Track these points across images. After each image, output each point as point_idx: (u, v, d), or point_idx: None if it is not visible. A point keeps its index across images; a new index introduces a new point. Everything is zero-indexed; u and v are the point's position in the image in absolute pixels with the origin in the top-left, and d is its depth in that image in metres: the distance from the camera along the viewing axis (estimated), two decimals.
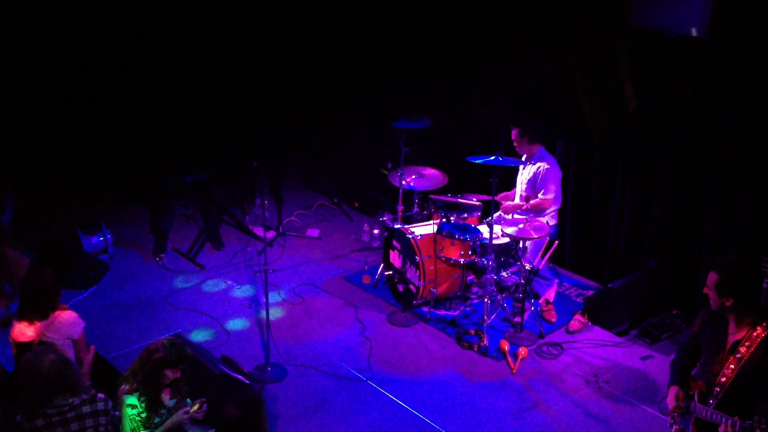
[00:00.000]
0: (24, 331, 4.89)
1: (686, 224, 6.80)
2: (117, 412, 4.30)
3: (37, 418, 3.90)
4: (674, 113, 6.65)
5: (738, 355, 3.92)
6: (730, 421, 3.80)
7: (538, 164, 6.86)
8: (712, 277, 3.97)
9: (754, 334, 3.91)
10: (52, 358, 3.96)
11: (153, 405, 4.43)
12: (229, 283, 7.52)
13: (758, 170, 6.20)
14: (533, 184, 6.91)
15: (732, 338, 3.98)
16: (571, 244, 7.71)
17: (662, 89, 6.70)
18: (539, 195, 6.85)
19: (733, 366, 3.92)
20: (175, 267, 7.77)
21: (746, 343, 3.91)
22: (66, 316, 4.98)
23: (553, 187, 6.83)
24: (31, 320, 4.89)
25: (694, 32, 6.17)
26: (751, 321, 3.93)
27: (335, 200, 9.22)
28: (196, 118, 8.79)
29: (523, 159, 6.98)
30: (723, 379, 3.94)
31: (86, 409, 3.99)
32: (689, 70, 6.45)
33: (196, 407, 4.48)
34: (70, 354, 4.84)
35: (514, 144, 6.99)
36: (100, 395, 4.11)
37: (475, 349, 6.53)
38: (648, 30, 6.56)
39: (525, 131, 6.85)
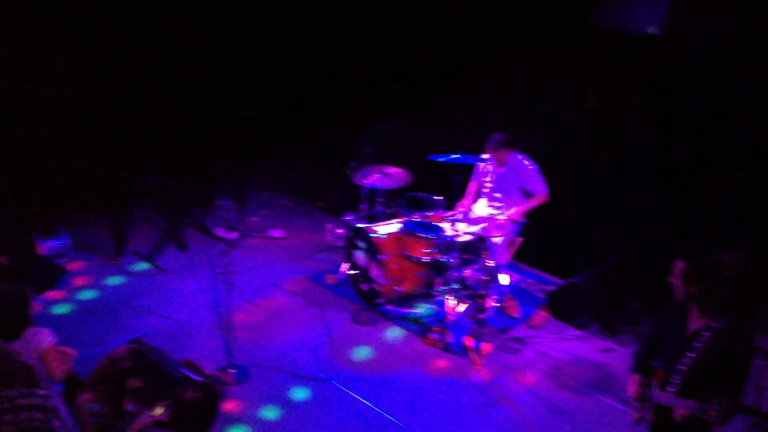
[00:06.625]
0: None
1: (644, 221, 6.90)
2: (62, 414, 4.22)
3: None
4: (632, 109, 6.74)
5: (698, 344, 3.98)
6: (687, 404, 3.88)
7: (519, 168, 6.89)
8: (679, 265, 4.04)
9: (714, 324, 3.98)
10: None
11: (117, 412, 4.37)
12: (190, 285, 7.44)
13: (713, 164, 6.33)
14: (519, 188, 6.94)
15: (693, 327, 4.05)
16: (534, 241, 7.77)
17: (621, 85, 6.80)
18: (538, 194, 6.90)
19: (692, 355, 3.98)
20: (134, 270, 7.67)
21: (706, 333, 3.98)
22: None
23: (542, 182, 6.92)
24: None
25: (651, 30, 6.28)
26: (712, 311, 4.00)
27: (298, 200, 9.18)
28: (158, 119, 8.69)
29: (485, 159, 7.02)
30: (682, 368, 4.01)
31: (23, 402, 3.94)
32: (646, 65, 6.55)
33: (160, 410, 4.42)
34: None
35: (491, 159, 6.97)
36: (41, 391, 4.04)
37: (439, 345, 6.55)
38: (608, 28, 6.66)
39: (497, 144, 6.85)
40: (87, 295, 7.23)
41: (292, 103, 9.40)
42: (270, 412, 5.75)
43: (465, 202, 7.22)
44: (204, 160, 8.32)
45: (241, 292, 7.28)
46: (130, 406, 4.43)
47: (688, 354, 4.01)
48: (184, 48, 8.76)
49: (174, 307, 7.05)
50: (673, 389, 4.04)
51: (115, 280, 7.50)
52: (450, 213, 7.13)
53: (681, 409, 3.89)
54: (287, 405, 5.84)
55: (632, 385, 4.21)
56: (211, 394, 3.80)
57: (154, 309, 7.01)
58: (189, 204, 8.38)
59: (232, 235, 8.24)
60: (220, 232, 8.24)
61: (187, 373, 5.40)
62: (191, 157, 8.36)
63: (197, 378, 5.39)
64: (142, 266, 7.77)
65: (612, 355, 6.50)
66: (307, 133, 9.44)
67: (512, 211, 6.92)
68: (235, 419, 5.59)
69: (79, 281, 7.44)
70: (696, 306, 4.06)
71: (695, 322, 4.06)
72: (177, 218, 8.08)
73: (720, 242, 6.28)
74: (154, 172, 7.94)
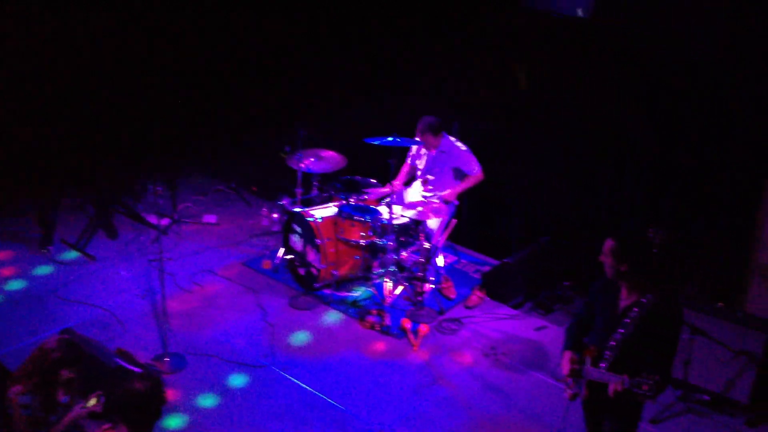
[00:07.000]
0: None
1: (576, 201, 7.06)
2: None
3: None
4: (564, 92, 6.87)
5: (628, 321, 4.09)
6: (619, 379, 3.99)
7: (451, 151, 6.95)
8: (609, 243, 4.12)
9: (643, 300, 4.09)
10: None
11: (48, 404, 4.27)
12: (122, 273, 7.28)
13: (642, 146, 6.51)
14: (452, 170, 6.99)
15: (623, 304, 4.15)
16: (469, 222, 7.87)
17: (553, 69, 6.91)
18: (473, 174, 7.00)
19: (623, 330, 4.09)
20: (63, 259, 7.46)
21: (635, 309, 4.09)
22: None
23: (475, 162, 6.99)
24: None
25: (579, 12, 6.40)
26: (641, 288, 4.11)
27: (232, 185, 9.05)
28: (85, 103, 8.43)
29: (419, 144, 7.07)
30: (613, 343, 4.12)
31: None
32: (576, 49, 6.68)
33: (93, 401, 4.34)
34: None
35: (422, 143, 7.01)
36: None
37: (377, 328, 6.58)
38: (537, 11, 6.76)
39: (425, 128, 6.89)
40: (15, 285, 7.00)
41: (224, 86, 9.23)
42: (208, 400, 5.69)
43: (396, 182, 7.26)
44: (133, 144, 8.08)
45: (175, 280, 7.16)
46: (62, 398, 4.33)
47: (618, 330, 4.12)
48: (112, 32, 8.50)
49: (106, 296, 6.89)
50: (605, 365, 4.14)
51: (43, 270, 7.28)
52: (381, 190, 7.16)
53: (613, 383, 4.00)
54: (225, 392, 5.79)
55: (566, 362, 4.30)
56: (157, 383, 3.75)
57: (85, 298, 6.84)
58: (118, 190, 8.17)
59: (164, 222, 8.07)
60: (152, 219, 8.07)
61: (120, 362, 5.31)
62: (120, 141, 8.12)
63: (131, 368, 5.30)
64: (72, 255, 7.56)
65: (546, 332, 6.64)
66: (239, 116, 9.29)
67: (446, 192, 7.00)
68: (171, 408, 5.51)
69: (6, 271, 7.19)
70: (625, 283, 4.16)
71: (625, 298, 4.17)
72: (106, 205, 7.87)
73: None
74: (81, 157, 7.70)
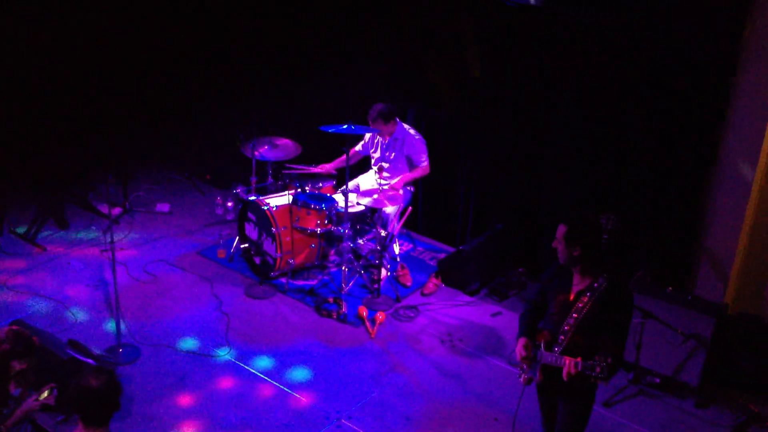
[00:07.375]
0: None
1: (529, 189, 7.14)
2: None
3: None
4: (516, 80, 6.93)
5: (580, 305, 4.16)
6: (573, 362, 4.06)
7: (405, 138, 6.96)
8: (562, 228, 4.18)
9: (595, 284, 4.16)
10: None
11: (0, 397, 4.18)
12: (73, 263, 7.14)
13: (592, 135, 6.60)
14: (405, 157, 7.02)
15: (575, 289, 4.22)
16: (424, 210, 7.91)
17: (505, 57, 6.96)
18: (421, 165, 7.01)
19: (576, 315, 4.16)
20: (12, 250, 7.28)
21: (588, 293, 4.16)
22: None
23: (426, 154, 7.02)
24: None
25: (531, 0, 6.45)
26: (593, 272, 4.19)
27: (185, 173, 8.94)
28: (34, 90, 8.23)
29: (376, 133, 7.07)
30: (567, 328, 4.18)
31: None
32: (528, 37, 6.73)
33: (45, 394, 4.26)
34: None
35: (377, 131, 7.01)
36: None
37: (334, 316, 6.58)
38: None
39: (376, 116, 6.89)
40: None
41: (177, 74, 9.10)
42: (162, 392, 5.62)
43: (328, 165, 7.25)
44: (83, 133, 7.92)
45: (128, 270, 7.06)
46: (14, 390, 4.25)
47: (571, 314, 4.19)
48: (64, 24, 8.32)
49: (57, 287, 6.76)
50: (558, 349, 4.21)
51: None
52: (309, 168, 7.18)
53: (567, 367, 4.07)
54: (180, 382, 5.73)
55: (520, 348, 4.35)
56: (112, 377, 3.71)
57: (35, 289, 6.70)
58: (69, 179, 7.99)
59: (116, 211, 7.94)
60: (103, 208, 7.93)
61: (73, 354, 5.22)
62: (69, 130, 7.95)
63: (84, 359, 5.22)
64: (21, 245, 7.38)
65: (501, 318, 6.72)
66: (193, 104, 9.17)
67: (396, 180, 7.02)
68: (125, 400, 5.43)
69: None
70: (578, 268, 4.23)
71: (577, 284, 4.23)
72: (56, 194, 7.70)
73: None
74: (31, 146, 7.53)
